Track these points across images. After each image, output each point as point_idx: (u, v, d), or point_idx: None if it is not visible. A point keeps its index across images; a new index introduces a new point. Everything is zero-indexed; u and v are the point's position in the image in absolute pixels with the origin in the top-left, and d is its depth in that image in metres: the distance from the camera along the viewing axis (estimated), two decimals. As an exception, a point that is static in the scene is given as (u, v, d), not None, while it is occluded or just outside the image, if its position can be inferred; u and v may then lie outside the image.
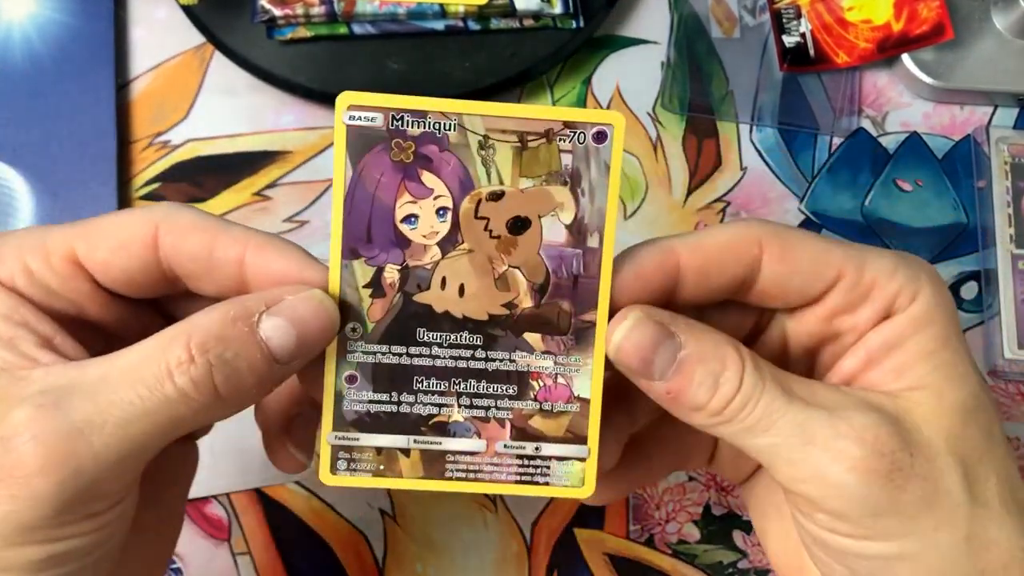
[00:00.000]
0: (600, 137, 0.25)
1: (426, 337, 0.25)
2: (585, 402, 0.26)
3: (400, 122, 0.24)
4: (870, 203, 0.46)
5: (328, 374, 0.26)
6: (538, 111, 0.24)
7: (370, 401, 0.26)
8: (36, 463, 0.22)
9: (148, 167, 0.45)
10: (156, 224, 0.25)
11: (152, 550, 0.29)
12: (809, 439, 0.24)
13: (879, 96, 0.47)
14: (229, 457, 0.42)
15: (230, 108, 0.46)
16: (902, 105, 0.47)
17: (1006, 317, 0.43)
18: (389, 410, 0.26)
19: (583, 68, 0.47)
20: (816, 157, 0.46)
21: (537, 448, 0.26)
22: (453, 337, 0.25)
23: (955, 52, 0.46)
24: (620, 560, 0.43)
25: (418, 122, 0.24)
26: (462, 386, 0.26)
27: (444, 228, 0.25)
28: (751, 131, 0.47)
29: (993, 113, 0.47)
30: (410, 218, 0.25)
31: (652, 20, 0.48)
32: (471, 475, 0.26)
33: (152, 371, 0.23)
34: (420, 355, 0.26)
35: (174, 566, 0.41)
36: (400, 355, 0.26)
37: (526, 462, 0.26)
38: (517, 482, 0.26)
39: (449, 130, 0.24)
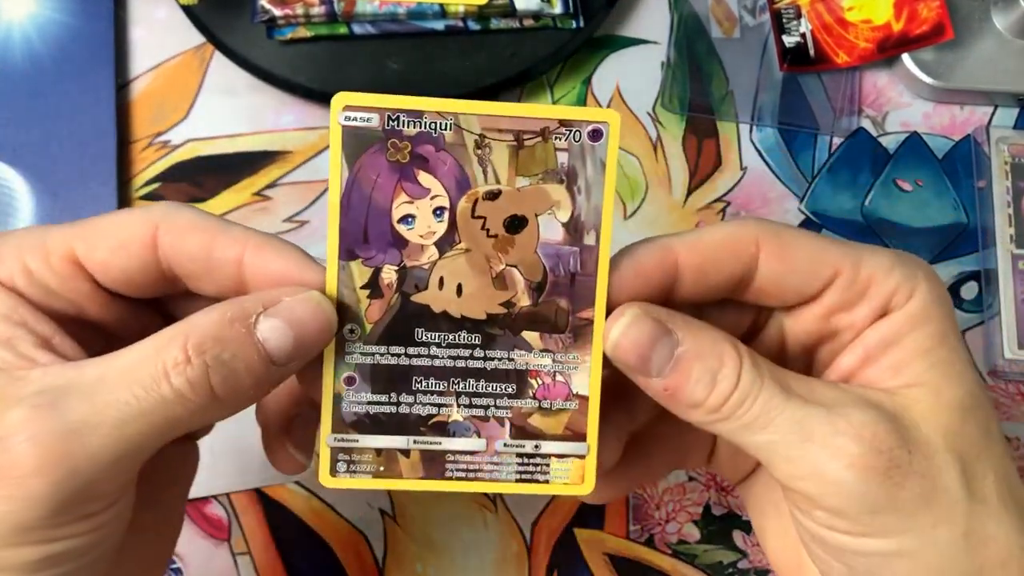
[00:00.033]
0: (596, 135, 0.25)
1: (424, 337, 0.25)
2: (584, 399, 0.26)
3: (396, 122, 0.24)
4: (870, 203, 0.46)
5: (326, 376, 0.25)
6: (534, 110, 0.24)
7: (369, 402, 0.26)
8: (32, 464, 0.22)
9: (148, 167, 0.45)
10: (155, 224, 0.25)
11: (151, 550, 0.29)
12: (807, 436, 0.24)
13: (879, 96, 0.47)
14: (229, 457, 0.42)
15: (230, 108, 0.46)
16: (902, 105, 0.47)
17: (1006, 317, 0.43)
18: (388, 411, 0.26)
19: (583, 68, 0.47)
20: (816, 157, 0.46)
21: (537, 446, 0.26)
22: (451, 337, 0.25)
23: (955, 52, 0.46)
24: (620, 560, 0.43)
25: (414, 122, 0.24)
26: (461, 386, 0.26)
27: (441, 228, 0.25)
28: (751, 131, 0.47)
29: (993, 113, 0.47)
30: (407, 218, 0.25)
31: (652, 20, 0.48)
32: (471, 474, 0.26)
33: (148, 371, 0.22)
34: (419, 355, 0.26)
35: (174, 566, 0.41)
36: (399, 356, 0.25)
37: (526, 460, 0.26)
38: (517, 481, 0.26)
39: (445, 130, 0.24)
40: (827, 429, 0.24)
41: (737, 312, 0.28)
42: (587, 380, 0.26)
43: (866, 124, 0.47)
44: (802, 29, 0.47)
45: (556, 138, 0.25)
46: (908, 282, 0.25)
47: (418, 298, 0.25)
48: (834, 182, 0.46)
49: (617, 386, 0.27)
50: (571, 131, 0.25)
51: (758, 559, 0.43)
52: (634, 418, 0.29)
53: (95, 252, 0.25)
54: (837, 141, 0.47)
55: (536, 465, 0.26)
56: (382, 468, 0.26)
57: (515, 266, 0.25)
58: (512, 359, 0.26)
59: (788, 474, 0.24)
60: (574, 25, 0.45)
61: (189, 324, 0.23)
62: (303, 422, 0.29)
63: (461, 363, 0.26)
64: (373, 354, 0.25)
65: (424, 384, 0.26)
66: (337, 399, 0.26)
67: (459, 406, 0.26)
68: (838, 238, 0.26)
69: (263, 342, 0.23)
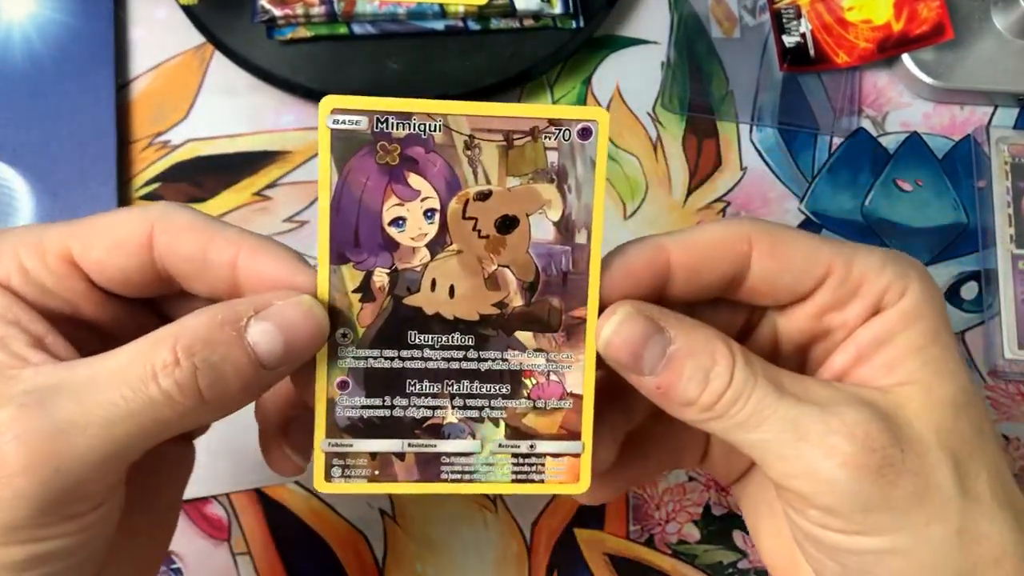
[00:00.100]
0: (585, 133, 0.25)
1: (417, 340, 0.25)
2: (578, 398, 0.26)
3: (385, 124, 0.24)
4: (870, 203, 0.46)
5: (319, 381, 0.25)
6: (522, 109, 0.24)
7: (363, 406, 0.26)
8: (18, 463, 0.21)
9: (148, 167, 0.45)
10: (151, 224, 0.25)
11: (145, 551, 0.29)
12: (801, 435, 0.24)
13: (879, 96, 0.47)
14: (229, 457, 0.42)
15: (230, 108, 0.46)
16: (902, 105, 0.47)
17: (1006, 317, 0.43)
18: (382, 415, 0.26)
19: (583, 68, 0.47)
20: (816, 157, 0.46)
21: (532, 446, 0.26)
22: (445, 339, 0.25)
23: (955, 52, 0.46)
24: (620, 560, 0.43)
25: (403, 124, 0.24)
26: (455, 387, 0.26)
27: (432, 230, 0.25)
28: (751, 131, 0.47)
29: (993, 113, 0.47)
30: (398, 221, 0.25)
31: (652, 20, 0.48)
32: (466, 476, 0.26)
33: (137, 372, 0.22)
34: (412, 358, 0.25)
35: (174, 566, 0.41)
36: (392, 359, 0.25)
37: (521, 460, 0.26)
38: (513, 481, 0.26)
39: (434, 131, 0.24)
40: (820, 428, 0.24)
41: (730, 311, 0.28)
42: (581, 379, 0.26)
43: (866, 124, 0.47)
44: (802, 29, 0.47)
45: (546, 137, 0.25)
46: (900, 280, 0.25)
47: (410, 301, 0.25)
48: (834, 182, 0.46)
49: (612, 386, 0.27)
50: (560, 130, 0.25)
51: (758, 559, 0.43)
52: (630, 418, 0.29)
53: (91, 251, 0.25)
54: (837, 141, 0.47)
55: (531, 465, 0.26)
56: (377, 472, 0.26)
57: (507, 266, 0.25)
58: (506, 359, 0.26)
59: (781, 473, 0.24)
60: (574, 25, 0.45)
61: (179, 326, 0.23)
62: (300, 424, 0.29)
63: (455, 365, 0.26)
64: (366, 358, 0.25)
65: (418, 387, 0.26)
66: (330, 404, 0.26)
67: (453, 408, 0.26)
68: (833, 237, 0.26)
69: (253, 346, 0.23)
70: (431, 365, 0.26)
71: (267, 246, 0.25)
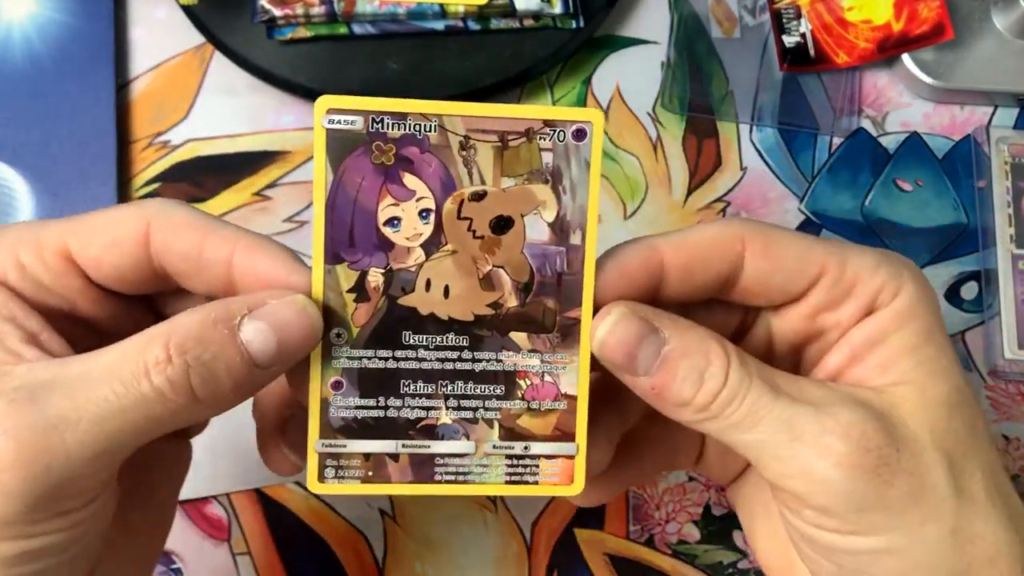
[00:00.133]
0: (579, 135, 0.25)
1: (412, 340, 0.25)
2: (572, 399, 0.26)
3: (380, 124, 0.24)
4: (870, 203, 0.46)
5: (313, 381, 0.25)
6: (517, 110, 0.24)
7: (357, 407, 0.26)
8: (8, 458, 0.21)
9: (148, 167, 0.45)
10: (148, 221, 0.25)
11: (141, 548, 0.29)
12: (796, 435, 0.24)
13: (879, 96, 0.47)
14: (229, 457, 0.42)
15: (230, 108, 0.46)
16: (902, 105, 0.47)
17: (1006, 317, 0.43)
18: (376, 415, 0.26)
19: (583, 68, 0.47)
20: (816, 157, 0.46)
21: (526, 447, 0.26)
22: (439, 339, 0.25)
23: (955, 52, 0.46)
24: (620, 560, 0.43)
25: (398, 124, 0.24)
26: (449, 388, 0.26)
27: (427, 230, 0.25)
28: (751, 131, 0.47)
29: (993, 113, 0.47)
30: (393, 221, 0.25)
31: (652, 20, 0.48)
32: (460, 477, 0.26)
33: (130, 369, 0.22)
34: (406, 358, 0.25)
35: (174, 566, 0.41)
36: (386, 359, 0.25)
37: (515, 462, 0.26)
38: (507, 482, 0.26)
39: (430, 131, 0.24)
40: (815, 428, 0.24)
41: (724, 312, 0.28)
42: (575, 380, 0.26)
43: (866, 124, 0.47)
44: (802, 29, 0.47)
45: (540, 138, 0.25)
46: (894, 280, 0.25)
47: (405, 301, 0.25)
48: (834, 182, 0.46)
49: (607, 387, 0.27)
50: (555, 131, 0.25)
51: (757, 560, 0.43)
52: (624, 420, 0.29)
53: (88, 248, 0.25)
54: (837, 141, 0.47)
55: (525, 466, 0.26)
56: (371, 473, 0.26)
57: (502, 267, 0.25)
58: (500, 360, 0.26)
59: (777, 473, 0.24)
60: (574, 25, 0.45)
61: (173, 324, 0.23)
62: (297, 424, 0.29)
63: (449, 365, 0.26)
64: (360, 358, 0.25)
65: (412, 387, 0.26)
66: (324, 404, 0.25)
67: (448, 409, 0.26)
68: (833, 237, 0.26)
69: (246, 344, 0.23)
70: (425, 365, 0.25)
71: (263, 244, 0.25)
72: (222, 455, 0.42)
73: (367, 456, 0.26)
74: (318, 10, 0.44)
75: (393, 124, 0.24)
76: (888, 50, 0.46)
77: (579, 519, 0.43)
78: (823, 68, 0.47)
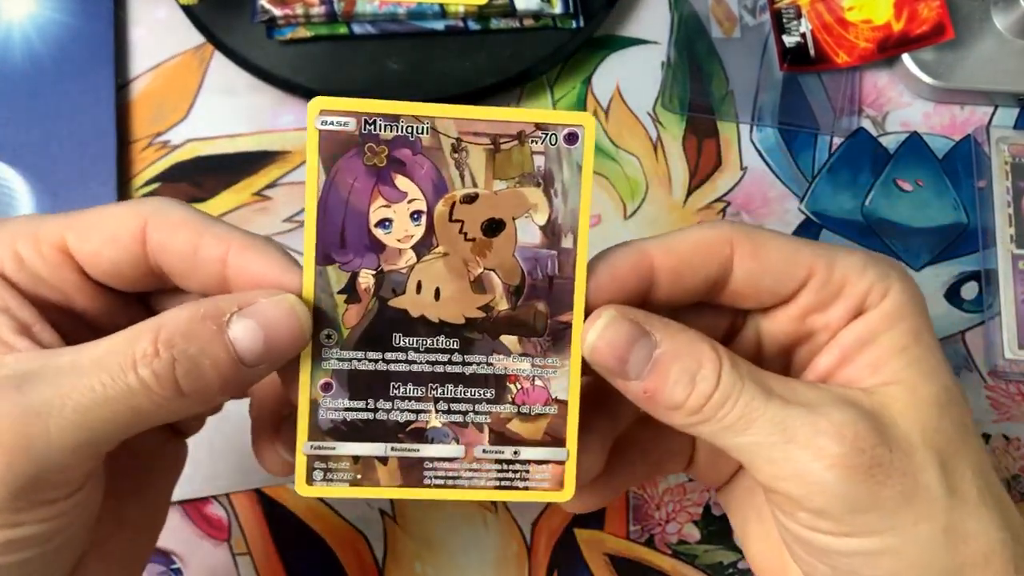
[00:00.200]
0: (571, 138, 0.25)
1: (402, 342, 0.25)
2: (563, 404, 0.26)
3: (373, 126, 0.24)
4: (870, 203, 0.46)
5: (303, 382, 0.25)
6: (510, 113, 0.24)
7: (346, 409, 0.25)
8: None
9: (148, 167, 0.45)
10: (145, 219, 0.25)
11: (132, 543, 0.29)
12: (789, 437, 0.24)
13: (879, 96, 0.47)
14: (229, 457, 0.42)
15: (230, 108, 0.46)
16: (902, 105, 0.47)
17: (1006, 317, 0.43)
18: (365, 418, 0.26)
19: (583, 68, 0.47)
20: (816, 157, 0.46)
21: (516, 452, 0.26)
22: (429, 341, 0.25)
23: (955, 52, 0.46)
24: (620, 560, 0.43)
25: (390, 126, 0.24)
26: (439, 391, 0.26)
27: (419, 232, 0.25)
28: (751, 131, 0.47)
29: (993, 113, 0.47)
30: (384, 222, 0.25)
31: (652, 20, 0.48)
32: (450, 482, 0.26)
33: (117, 360, 0.23)
34: (396, 360, 0.25)
35: (174, 566, 0.41)
36: (376, 361, 0.25)
37: (505, 467, 0.26)
38: (497, 487, 0.26)
39: (422, 133, 0.24)
40: (808, 429, 0.24)
41: (713, 315, 0.28)
42: (566, 384, 0.26)
43: (866, 124, 0.47)
44: (802, 29, 0.47)
45: (532, 141, 0.25)
46: (882, 281, 0.25)
47: (396, 303, 0.25)
48: (834, 182, 0.46)
49: (598, 392, 0.27)
50: (547, 134, 0.25)
51: (758, 559, 0.43)
52: (616, 425, 0.29)
53: (85, 243, 0.25)
54: (837, 141, 0.47)
55: (515, 471, 0.26)
56: (359, 476, 0.26)
57: (493, 270, 0.25)
58: (491, 363, 0.26)
59: (770, 475, 0.24)
60: (574, 25, 0.45)
61: (163, 318, 0.23)
62: (292, 423, 0.29)
63: (439, 368, 0.25)
64: (350, 360, 0.25)
65: (402, 390, 0.26)
66: (314, 406, 0.25)
67: (437, 412, 0.26)
68: (832, 238, 0.26)
69: (233, 341, 0.23)
70: (415, 368, 0.25)
71: (257, 244, 0.25)
72: (222, 455, 0.42)
73: (356, 459, 0.26)
74: (318, 10, 0.44)
75: (385, 126, 0.24)
76: (888, 50, 0.46)
77: (579, 519, 0.43)
78: (823, 68, 0.47)
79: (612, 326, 0.25)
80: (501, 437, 0.26)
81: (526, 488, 0.26)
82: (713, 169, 0.46)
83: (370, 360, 0.25)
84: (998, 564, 0.24)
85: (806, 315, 0.26)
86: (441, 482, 0.26)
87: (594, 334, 0.25)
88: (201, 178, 0.45)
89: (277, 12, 0.44)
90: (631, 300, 0.25)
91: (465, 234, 0.25)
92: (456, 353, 0.25)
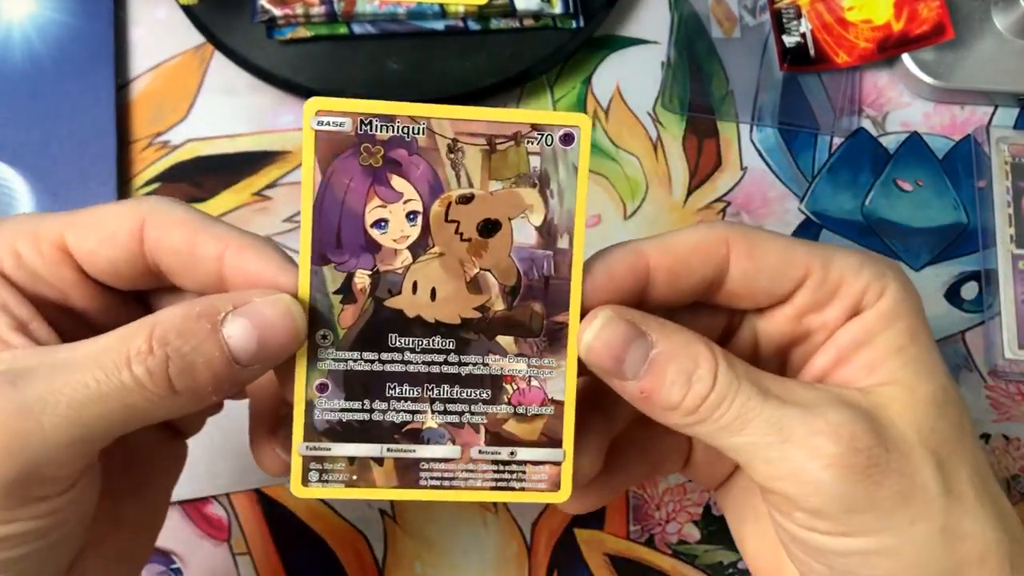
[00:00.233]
0: (567, 139, 0.25)
1: (398, 343, 0.25)
2: (559, 404, 0.26)
3: (369, 126, 0.24)
4: (870, 203, 0.46)
5: (298, 382, 0.25)
6: (506, 114, 0.24)
7: (342, 410, 0.25)
8: None
9: (148, 167, 0.45)
10: (143, 217, 0.25)
11: (131, 542, 0.29)
12: (785, 437, 0.24)
13: (879, 96, 0.47)
14: (229, 457, 0.42)
15: (230, 108, 0.46)
16: (902, 105, 0.47)
17: (1006, 317, 0.43)
18: (361, 418, 0.26)
19: (583, 68, 0.47)
20: (816, 157, 0.46)
21: (512, 453, 0.26)
22: (425, 342, 0.25)
23: (955, 52, 0.46)
24: (620, 560, 0.43)
25: (386, 126, 0.24)
26: (435, 392, 0.26)
27: (414, 232, 0.25)
28: (751, 131, 0.47)
29: (993, 113, 0.47)
30: (380, 223, 0.25)
31: (652, 20, 0.48)
32: (446, 483, 0.26)
33: (112, 357, 0.23)
34: (392, 361, 0.25)
35: (174, 566, 0.41)
36: (372, 362, 0.25)
37: (501, 467, 0.26)
38: (493, 488, 0.26)
39: (418, 134, 0.24)
40: (805, 429, 0.24)
41: (710, 316, 0.28)
42: (563, 385, 0.26)
43: (866, 124, 0.47)
44: (802, 29, 0.47)
45: (528, 142, 0.25)
46: (878, 281, 0.25)
47: (391, 303, 0.25)
48: (834, 182, 0.46)
49: (595, 392, 0.27)
50: (543, 135, 0.25)
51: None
52: (612, 426, 0.29)
53: (84, 241, 0.25)
54: (837, 141, 0.47)
55: (512, 472, 0.26)
56: (355, 477, 0.26)
57: (489, 270, 0.25)
58: (487, 364, 0.26)
59: (767, 475, 0.24)
60: (574, 25, 0.45)
61: (158, 316, 0.23)
62: (289, 423, 0.29)
63: (435, 369, 0.25)
64: (346, 360, 0.25)
65: (397, 391, 0.25)
66: (309, 406, 0.25)
67: (433, 412, 0.26)
68: (832, 238, 0.26)
69: (227, 340, 0.23)
70: (411, 368, 0.25)
71: (254, 244, 0.25)
72: (222, 455, 0.42)
73: (351, 460, 0.26)
74: (318, 10, 0.44)
75: (381, 126, 0.24)
76: (888, 50, 0.46)
77: (579, 519, 0.43)
78: (823, 68, 0.47)
79: (608, 326, 0.25)
80: (497, 438, 0.26)
81: (522, 489, 0.26)
82: (713, 169, 0.46)
83: (366, 360, 0.25)
84: (994, 563, 0.24)
85: (802, 315, 0.26)
86: (437, 483, 0.26)
87: (590, 334, 0.25)
88: (201, 178, 0.45)
89: (277, 12, 0.44)
90: (627, 300, 0.25)
91: (461, 234, 0.25)
92: (452, 354, 0.25)
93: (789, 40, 0.47)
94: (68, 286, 0.26)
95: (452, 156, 0.25)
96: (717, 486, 0.32)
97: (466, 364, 0.26)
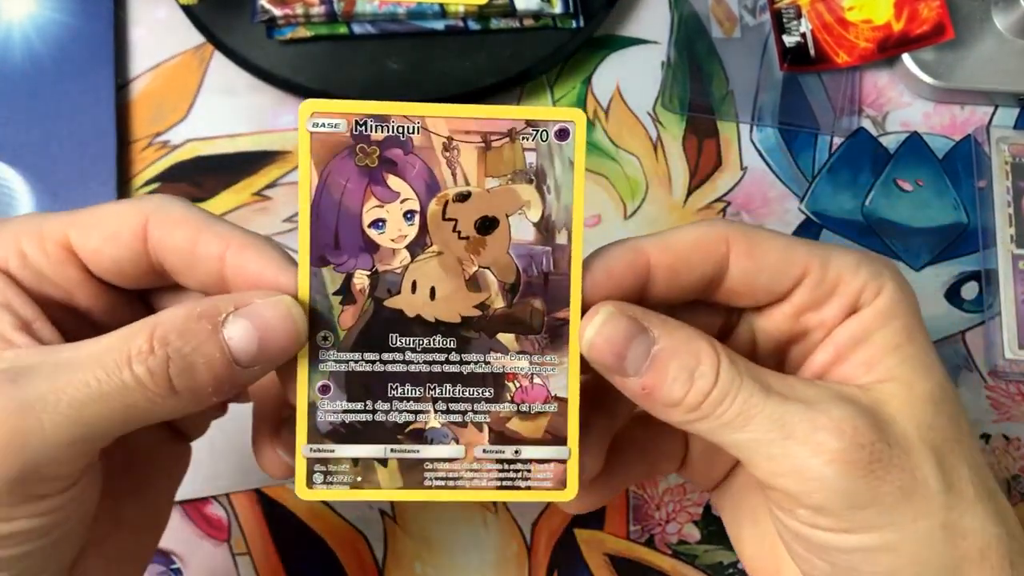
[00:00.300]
0: (562, 134, 0.25)
1: (399, 343, 0.25)
2: (563, 402, 0.26)
3: (364, 127, 0.24)
4: (870, 203, 0.46)
5: (300, 384, 0.25)
6: (500, 111, 0.25)
7: (344, 411, 0.25)
8: None
9: (148, 167, 0.45)
10: (147, 216, 0.25)
11: (133, 543, 0.29)
12: (788, 433, 0.24)
13: (879, 96, 0.47)
14: (229, 457, 0.42)
15: (230, 108, 0.46)
16: (902, 105, 0.47)
17: (1006, 317, 0.43)
18: (364, 419, 0.26)
19: (583, 68, 0.47)
20: (816, 157, 0.46)
21: (517, 451, 0.26)
22: (426, 341, 0.25)
23: (955, 52, 0.46)
24: (620, 560, 0.43)
25: (381, 126, 0.24)
26: (437, 391, 0.26)
27: (412, 231, 0.25)
28: (751, 131, 0.47)
29: (993, 113, 0.47)
30: (378, 223, 0.25)
31: (652, 20, 0.48)
32: (451, 483, 0.26)
33: (113, 357, 0.23)
34: (393, 361, 0.25)
35: (174, 566, 0.41)
36: (373, 362, 0.25)
37: (506, 466, 0.26)
38: (498, 487, 0.26)
39: (413, 133, 0.24)
40: (807, 425, 0.24)
41: (708, 314, 0.28)
42: (565, 382, 0.26)
43: (866, 124, 0.47)
44: (802, 29, 0.47)
45: (523, 138, 0.25)
46: (875, 280, 0.26)
47: (391, 303, 0.25)
48: (834, 182, 0.46)
49: (596, 390, 0.27)
50: (538, 131, 0.25)
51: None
52: (613, 424, 0.29)
53: (88, 240, 0.25)
54: (837, 141, 0.47)
55: (517, 471, 0.26)
56: (359, 478, 0.26)
57: (488, 268, 0.25)
58: (488, 362, 0.26)
59: (769, 472, 0.24)
60: (574, 25, 0.45)
61: (159, 316, 0.24)
62: (292, 425, 0.29)
63: (437, 368, 0.25)
64: (347, 361, 0.25)
65: (400, 391, 0.25)
66: (312, 408, 0.25)
67: (436, 412, 0.26)
68: (832, 238, 0.27)
69: (228, 341, 0.23)
70: (413, 368, 0.25)
71: (256, 244, 0.25)
72: (222, 455, 0.42)
73: (355, 461, 0.26)
74: (318, 10, 0.44)
75: (376, 126, 0.24)
76: (888, 50, 0.46)
77: (579, 519, 0.43)
78: (823, 68, 0.47)
79: (610, 322, 0.25)
80: (501, 436, 0.26)
81: (528, 488, 0.26)
82: (713, 169, 0.46)
83: (367, 361, 0.25)
84: (994, 560, 0.24)
85: (800, 313, 0.26)
86: (442, 483, 0.26)
87: (592, 330, 0.25)
88: (201, 178, 0.45)
89: (277, 12, 0.44)
90: (627, 298, 0.25)
91: (459, 232, 0.25)
92: (453, 352, 0.25)
93: (789, 40, 0.47)
94: (72, 285, 0.26)
95: (448, 154, 0.25)
96: (713, 487, 0.32)
97: (468, 363, 0.25)
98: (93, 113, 0.44)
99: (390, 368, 0.25)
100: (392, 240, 0.25)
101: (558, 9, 0.44)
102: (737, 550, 0.31)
